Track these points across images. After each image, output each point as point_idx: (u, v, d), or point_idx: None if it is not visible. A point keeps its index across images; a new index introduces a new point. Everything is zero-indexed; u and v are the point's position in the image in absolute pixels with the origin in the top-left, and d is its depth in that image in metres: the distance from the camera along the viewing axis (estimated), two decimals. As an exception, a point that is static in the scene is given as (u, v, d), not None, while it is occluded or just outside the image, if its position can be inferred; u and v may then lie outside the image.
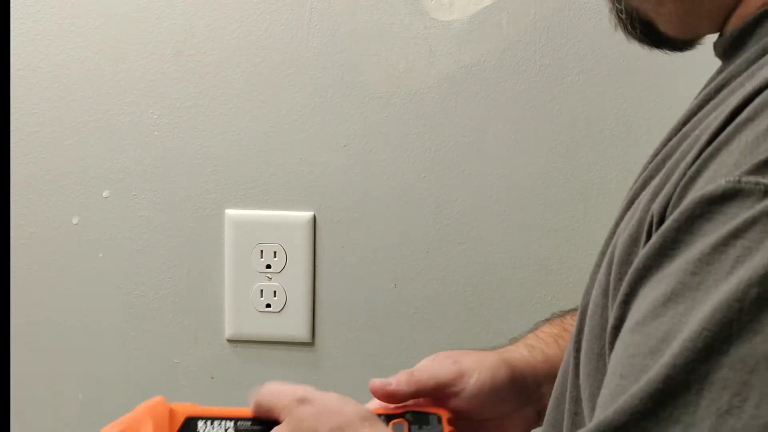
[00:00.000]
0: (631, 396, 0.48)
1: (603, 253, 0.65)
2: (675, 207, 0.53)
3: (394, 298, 1.23)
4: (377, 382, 0.83)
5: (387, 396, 0.82)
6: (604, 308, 0.60)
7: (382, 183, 1.21)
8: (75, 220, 1.24)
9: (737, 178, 0.49)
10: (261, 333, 1.24)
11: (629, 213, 0.62)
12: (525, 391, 0.84)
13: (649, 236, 0.55)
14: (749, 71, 0.59)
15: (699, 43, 0.70)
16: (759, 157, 0.50)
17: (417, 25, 1.18)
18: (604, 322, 0.60)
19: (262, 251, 1.22)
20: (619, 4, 0.67)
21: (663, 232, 0.52)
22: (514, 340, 0.89)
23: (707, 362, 0.46)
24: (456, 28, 1.18)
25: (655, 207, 0.55)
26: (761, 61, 0.59)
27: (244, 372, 1.25)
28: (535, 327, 0.90)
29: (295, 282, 1.22)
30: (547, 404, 0.82)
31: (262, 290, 1.23)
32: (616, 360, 0.52)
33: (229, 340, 1.24)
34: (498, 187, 1.20)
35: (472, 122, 1.19)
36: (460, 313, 1.22)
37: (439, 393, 0.81)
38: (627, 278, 0.54)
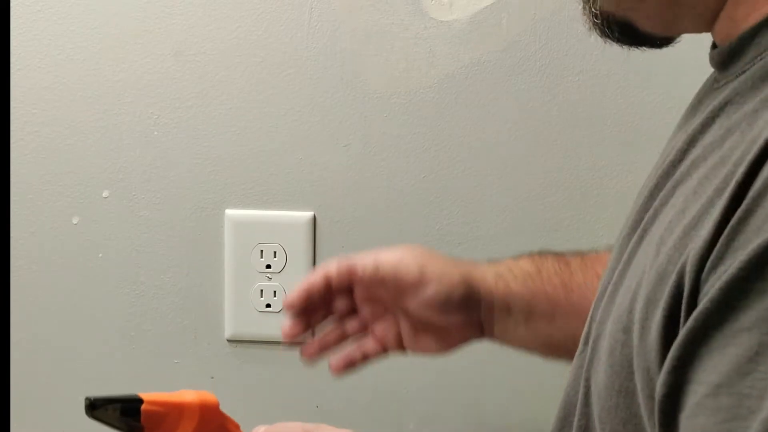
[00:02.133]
0: None
1: (616, 284, 0.63)
2: (723, 253, 0.50)
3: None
4: (344, 263, 0.88)
5: (351, 274, 0.88)
6: (625, 345, 0.58)
7: (382, 183, 1.21)
8: (75, 220, 1.24)
9: None
10: (261, 333, 1.24)
11: (646, 245, 0.60)
12: (475, 312, 0.89)
13: (680, 279, 0.53)
14: (764, 94, 0.57)
15: (677, 41, 0.68)
16: None
17: (417, 25, 1.18)
18: (625, 360, 0.58)
19: (262, 251, 1.22)
20: (595, 8, 0.65)
21: (726, 285, 0.49)
22: (490, 262, 0.92)
23: None
24: (456, 28, 1.18)
25: (692, 249, 0.53)
26: None
27: (244, 372, 1.25)
28: (515, 257, 0.92)
29: (295, 282, 1.21)
30: (493, 334, 0.89)
31: (262, 290, 1.23)
32: (701, 429, 0.48)
33: (229, 340, 1.24)
34: (498, 187, 1.20)
35: (472, 122, 1.19)
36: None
37: (394, 289, 0.88)
38: (679, 340, 0.51)
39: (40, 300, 1.25)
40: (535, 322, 0.89)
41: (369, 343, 0.93)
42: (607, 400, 0.60)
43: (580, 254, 0.93)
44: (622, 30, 0.66)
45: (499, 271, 0.90)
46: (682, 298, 0.53)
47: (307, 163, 1.21)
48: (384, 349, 0.93)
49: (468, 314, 0.89)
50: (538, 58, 1.18)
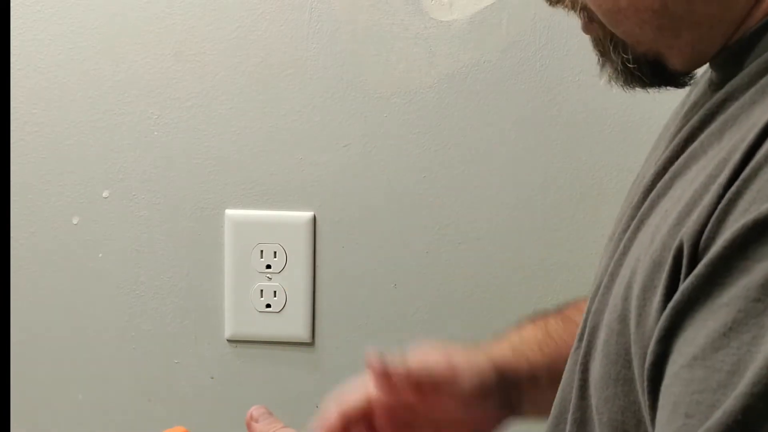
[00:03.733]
0: (710, 430, 0.46)
1: (612, 274, 0.63)
2: (714, 232, 0.51)
3: (394, 298, 1.23)
4: (376, 358, 0.80)
5: (383, 376, 0.80)
6: (621, 335, 0.59)
7: (382, 183, 1.21)
8: (75, 220, 1.24)
9: None
10: (261, 333, 1.24)
11: (642, 235, 0.61)
12: (507, 395, 0.84)
13: (676, 263, 0.54)
14: (759, 85, 0.58)
15: (696, 76, 0.69)
16: None
17: (417, 25, 1.18)
18: (622, 349, 0.59)
19: (262, 251, 1.22)
20: (626, 54, 0.66)
21: (711, 261, 0.50)
22: (497, 337, 0.88)
23: None
24: (456, 28, 1.18)
25: (686, 233, 0.53)
26: None
27: (244, 372, 1.25)
28: (519, 326, 0.89)
29: (295, 282, 1.22)
30: (523, 410, 0.84)
31: (262, 290, 1.23)
32: (674, 399, 0.50)
33: (229, 340, 1.24)
34: (498, 187, 1.20)
35: (472, 122, 1.19)
36: (460, 313, 1.22)
37: (428, 389, 0.81)
38: (666, 312, 0.52)
39: (40, 300, 1.25)
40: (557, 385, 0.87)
41: None
42: (604, 390, 0.61)
43: (573, 303, 0.91)
44: (653, 71, 0.66)
45: (514, 345, 0.86)
46: (679, 282, 0.54)
47: (307, 163, 1.21)
48: None
49: (500, 401, 0.84)
50: (538, 59, 1.18)
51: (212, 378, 1.25)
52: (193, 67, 1.20)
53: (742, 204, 0.51)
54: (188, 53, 1.20)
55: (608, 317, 0.61)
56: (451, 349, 0.84)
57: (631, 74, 0.67)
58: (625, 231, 0.65)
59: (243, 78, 1.20)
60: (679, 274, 0.54)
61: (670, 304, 0.52)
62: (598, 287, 0.66)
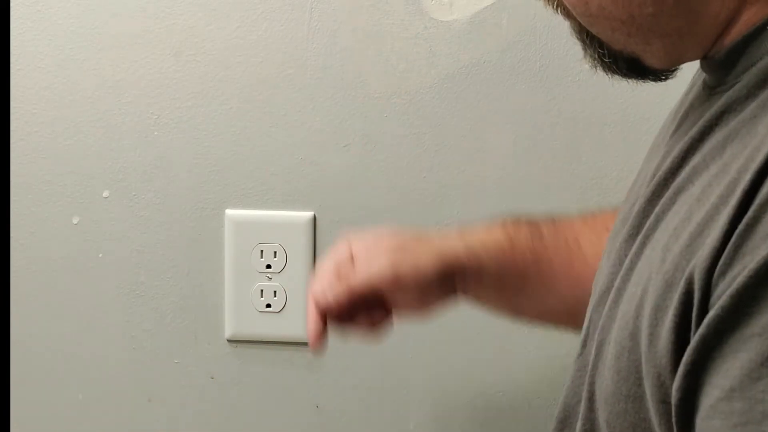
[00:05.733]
0: None
1: (619, 289, 0.64)
2: (731, 259, 0.51)
3: (394, 298, 1.22)
4: (320, 294, 0.90)
5: (327, 310, 0.90)
6: (632, 352, 0.59)
7: (382, 183, 1.21)
8: (75, 220, 1.24)
9: None
10: (261, 333, 1.24)
11: (650, 252, 0.61)
12: (450, 282, 0.92)
13: (688, 289, 0.54)
14: (759, 99, 0.58)
15: (679, 69, 0.70)
16: None
17: (417, 25, 1.18)
18: (633, 366, 0.59)
19: (262, 251, 1.22)
20: (602, 49, 0.67)
21: (737, 291, 0.50)
22: (462, 231, 0.94)
23: None
24: (456, 28, 1.18)
25: (700, 258, 0.53)
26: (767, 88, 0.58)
27: (244, 372, 1.25)
28: (489, 225, 0.94)
29: (295, 282, 1.22)
30: (466, 291, 0.93)
31: (262, 290, 1.23)
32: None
33: (229, 340, 1.24)
34: (498, 187, 1.20)
35: (472, 122, 1.19)
36: (460, 313, 1.22)
37: (371, 295, 0.91)
38: (692, 345, 0.52)
39: (40, 300, 1.25)
40: (506, 292, 0.93)
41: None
42: (614, 405, 0.61)
43: (552, 220, 0.95)
44: (629, 66, 0.68)
45: (471, 243, 0.92)
46: (692, 305, 0.54)
47: (307, 163, 1.21)
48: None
49: (443, 287, 0.92)
50: (538, 59, 1.18)
51: (212, 378, 1.25)
52: (193, 67, 1.20)
53: (761, 230, 0.50)
54: (188, 53, 1.20)
55: (618, 334, 0.61)
56: (399, 251, 0.91)
57: (608, 67, 0.68)
58: (630, 242, 0.65)
59: (243, 78, 1.20)
60: (692, 297, 0.54)
61: (695, 338, 0.52)
62: (604, 298, 0.67)
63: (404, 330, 1.23)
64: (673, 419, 0.54)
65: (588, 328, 0.69)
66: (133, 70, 1.21)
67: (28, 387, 1.25)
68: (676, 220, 0.59)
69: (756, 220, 0.51)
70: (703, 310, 0.53)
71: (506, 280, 0.92)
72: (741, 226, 0.51)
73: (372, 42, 1.19)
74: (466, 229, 0.94)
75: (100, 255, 1.24)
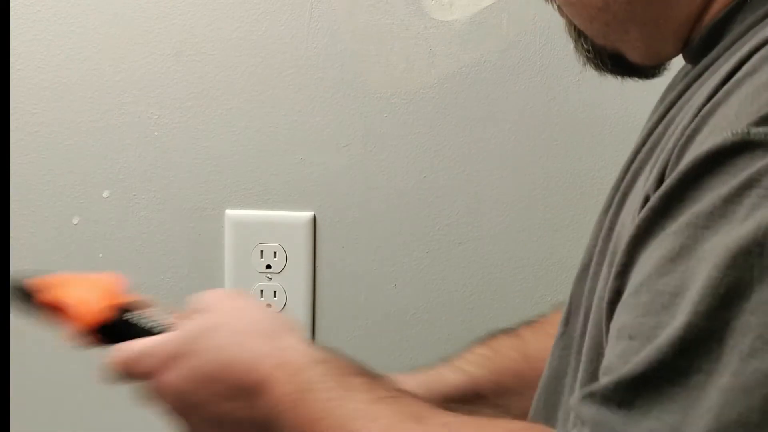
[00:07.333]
0: (653, 349, 0.47)
1: (597, 263, 0.64)
2: (673, 169, 0.52)
3: (394, 298, 1.23)
4: None
5: None
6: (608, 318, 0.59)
7: (382, 183, 1.21)
8: (75, 220, 1.24)
9: (746, 130, 0.48)
10: (261, 333, 1.23)
11: (623, 217, 0.62)
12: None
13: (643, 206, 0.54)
14: (731, 50, 0.59)
15: (666, 69, 0.71)
16: (765, 109, 0.49)
17: (417, 25, 1.18)
18: (603, 326, 0.59)
19: (262, 251, 1.22)
20: (586, 44, 0.69)
21: (663, 193, 0.51)
22: (445, 361, 0.92)
23: (729, 308, 0.46)
24: (456, 28, 1.18)
25: (650, 183, 0.55)
26: (744, 39, 0.59)
27: (244, 372, 1.25)
28: (468, 349, 0.93)
29: (295, 282, 1.22)
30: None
31: (262, 290, 1.23)
32: (620, 325, 0.51)
33: (229, 340, 1.24)
34: (498, 187, 1.20)
35: (472, 122, 1.19)
36: (460, 313, 1.22)
37: None
38: (623, 248, 0.53)
39: (40, 300, 1.25)
40: (507, 399, 0.91)
41: None
42: (595, 374, 0.60)
43: (527, 323, 0.95)
44: (614, 62, 0.69)
45: (456, 365, 0.91)
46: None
47: (307, 163, 1.21)
48: None
49: None
50: (538, 59, 1.18)
51: (212, 378, 1.25)
52: (193, 67, 1.20)
53: (699, 138, 0.51)
54: (188, 53, 1.20)
55: (597, 303, 0.62)
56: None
57: (596, 63, 0.70)
58: (604, 213, 0.67)
59: (243, 78, 1.20)
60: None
61: (625, 241, 0.53)
62: (585, 272, 0.67)
63: (404, 330, 1.23)
64: (604, 322, 0.55)
65: (570, 305, 0.70)
66: (133, 70, 1.21)
67: (28, 387, 1.25)
68: (648, 169, 0.60)
69: (696, 131, 0.52)
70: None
71: (504, 385, 0.91)
72: (683, 138, 0.53)
73: (372, 42, 1.19)
74: (446, 359, 0.92)
75: (100, 255, 1.24)
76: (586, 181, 1.19)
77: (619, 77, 0.71)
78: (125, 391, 1.27)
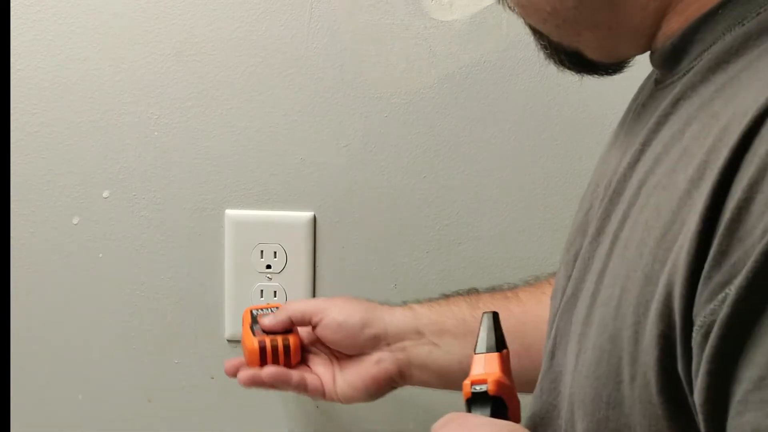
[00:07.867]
0: None
1: (593, 294, 0.62)
2: (728, 246, 0.50)
3: (394, 298, 1.22)
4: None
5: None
6: (612, 355, 0.58)
7: (382, 183, 1.21)
8: (75, 220, 1.24)
9: None
10: (261, 333, 1.23)
11: (620, 251, 0.60)
12: (379, 338, 1.01)
13: (671, 277, 0.53)
14: (714, 83, 0.58)
15: (628, 66, 0.71)
16: None
17: (417, 25, 1.18)
18: (613, 371, 0.58)
19: (262, 251, 1.22)
20: (543, 41, 0.69)
21: (748, 283, 0.49)
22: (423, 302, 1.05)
23: None
24: (456, 28, 1.18)
25: (683, 246, 0.52)
26: (712, 49, 0.58)
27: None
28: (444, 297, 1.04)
29: (295, 282, 1.22)
30: (409, 361, 0.99)
31: (262, 290, 1.23)
32: (751, 426, 0.48)
33: (229, 340, 1.24)
34: (498, 187, 1.20)
35: (472, 122, 1.19)
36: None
37: (303, 321, 1.05)
38: (708, 349, 0.51)
39: (40, 300, 1.25)
40: (448, 339, 0.97)
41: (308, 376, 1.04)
42: (594, 414, 0.60)
43: (492, 288, 1.03)
44: (571, 60, 0.69)
45: (406, 302, 1.02)
46: (672, 298, 0.53)
47: (307, 163, 1.21)
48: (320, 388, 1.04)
49: (371, 342, 1.00)
50: (538, 59, 1.17)
51: (212, 378, 1.25)
52: (193, 67, 1.20)
53: (756, 210, 0.49)
54: (188, 53, 1.20)
55: (597, 338, 0.60)
56: (347, 299, 1.07)
57: (553, 59, 0.70)
58: (593, 244, 0.65)
59: (243, 78, 1.20)
60: (672, 289, 0.53)
61: (711, 342, 0.51)
62: (570, 304, 0.66)
63: (404, 330, 1.23)
64: (701, 425, 0.53)
65: (555, 338, 0.68)
66: (133, 70, 1.21)
67: (28, 387, 1.25)
68: (646, 214, 0.58)
69: (748, 202, 0.50)
70: (690, 300, 0.52)
71: (446, 325, 1.00)
72: (731, 212, 0.50)
73: (372, 42, 1.19)
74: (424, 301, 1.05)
75: (100, 255, 1.24)
76: (586, 181, 1.19)
77: (577, 74, 0.71)
78: (125, 391, 1.28)
